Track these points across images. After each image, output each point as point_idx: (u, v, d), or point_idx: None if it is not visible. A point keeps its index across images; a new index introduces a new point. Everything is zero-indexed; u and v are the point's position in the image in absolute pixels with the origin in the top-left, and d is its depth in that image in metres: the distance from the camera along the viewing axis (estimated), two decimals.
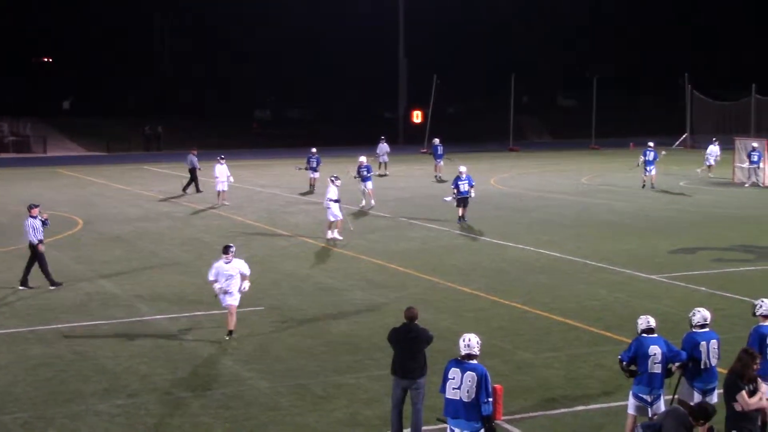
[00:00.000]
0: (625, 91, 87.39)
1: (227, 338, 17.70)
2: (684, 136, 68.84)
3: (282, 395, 14.66)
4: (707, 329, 12.44)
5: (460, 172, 32.02)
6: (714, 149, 47.85)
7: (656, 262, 24.83)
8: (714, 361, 12.34)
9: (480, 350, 11.21)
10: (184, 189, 41.42)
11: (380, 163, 49.69)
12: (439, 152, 47.50)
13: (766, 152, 43.01)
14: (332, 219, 28.78)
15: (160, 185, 45.40)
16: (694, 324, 12.46)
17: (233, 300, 17.91)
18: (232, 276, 17.85)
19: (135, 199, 40.05)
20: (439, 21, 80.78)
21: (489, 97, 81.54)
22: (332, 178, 29.38)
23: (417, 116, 74.89)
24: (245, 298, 18.34)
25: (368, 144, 56.51)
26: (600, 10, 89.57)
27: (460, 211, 31.78)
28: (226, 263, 17.93)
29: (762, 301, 12.91)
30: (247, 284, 18.03)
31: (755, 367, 11.13)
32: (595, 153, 65.60)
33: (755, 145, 42.84)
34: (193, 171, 41.28)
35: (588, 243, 27.87)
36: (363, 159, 37.61)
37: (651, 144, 43.62)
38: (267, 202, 38.44)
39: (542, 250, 26.76)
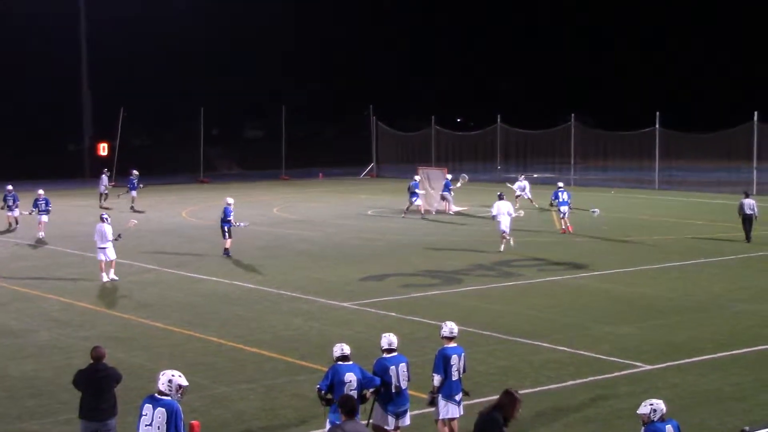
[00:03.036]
0: (314, 121, 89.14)
1: None
2: (371, 165, 71.21)
3: None
4: (395, 353, 12.80)
5: (228, 203, 31.43)
6: (522, 184, 45.96)
7: (347, 290, 25.36)
8: (404, 384, 12.72)
9: None
10: None
11: (101, 195, 48.42)
12: (133, 183, 47.14)
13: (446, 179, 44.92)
14: (106, 259, 26.65)
15: None
16: (382, 349, 12.80)
17: None
18: None
19: None
20: (126, 51, 78.93)
21: (178, 128, 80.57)
22: (104, 217, 27.53)
23: (103, 149, 72.67)
24: None
25: (54, 177, 54.16)
26: (287, 40, 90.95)
27: (228, 243, 31.07)
28: None
29: (445, 324, 13.47)
30: None
31: (519, 408, 10.45)
32: (285, 183, 66.41)
33: (449, 176, 44.31)
34: None
35: (282, 273, 28.05)
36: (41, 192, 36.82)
37: None
38: None
39: (237, 281, 26.65)
